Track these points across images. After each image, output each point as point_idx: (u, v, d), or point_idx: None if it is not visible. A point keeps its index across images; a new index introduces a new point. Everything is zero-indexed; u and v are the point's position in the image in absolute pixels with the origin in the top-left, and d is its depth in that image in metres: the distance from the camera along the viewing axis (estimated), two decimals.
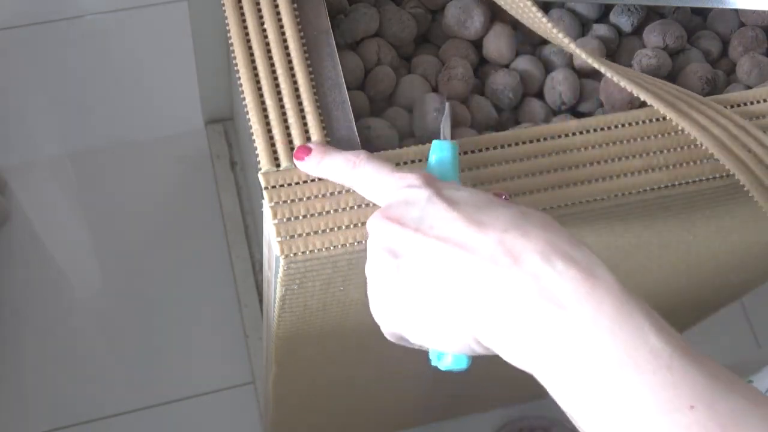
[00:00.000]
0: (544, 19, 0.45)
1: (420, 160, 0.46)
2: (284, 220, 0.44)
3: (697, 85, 0.53)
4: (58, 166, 1.21)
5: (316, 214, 0.44)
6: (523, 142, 0.47)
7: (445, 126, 0.46)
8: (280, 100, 0.46)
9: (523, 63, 0.56)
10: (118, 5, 1.29)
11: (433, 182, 0.39)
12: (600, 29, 0.57)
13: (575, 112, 0.56)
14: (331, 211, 0.44)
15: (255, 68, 0.46)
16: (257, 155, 0.45)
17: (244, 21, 0.47)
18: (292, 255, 0.43)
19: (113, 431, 1.10)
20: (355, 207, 0.44)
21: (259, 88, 0.46)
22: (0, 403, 1.09)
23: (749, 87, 0.55)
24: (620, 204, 0.48)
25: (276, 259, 0.45)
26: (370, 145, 0.48)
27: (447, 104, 0.48)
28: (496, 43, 0.55)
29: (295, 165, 0.44)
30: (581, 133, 0.48)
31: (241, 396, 1.13)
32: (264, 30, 0.47)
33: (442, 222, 0.37)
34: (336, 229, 0.44)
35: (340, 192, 0.44)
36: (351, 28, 0.53)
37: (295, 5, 0.48)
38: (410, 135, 0.51)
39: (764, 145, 0.46)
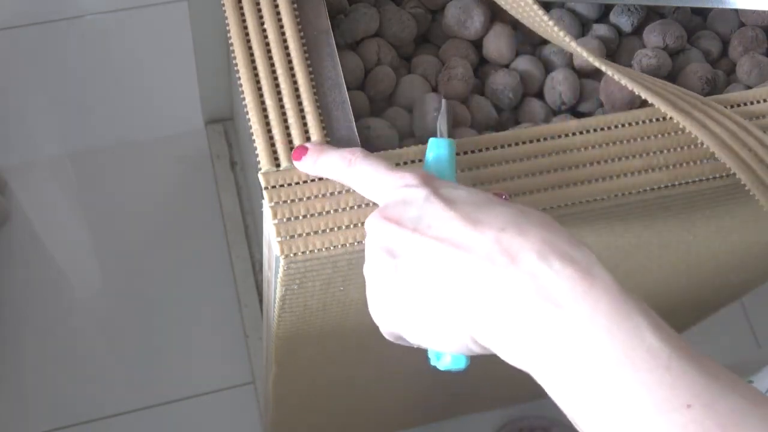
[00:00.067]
0: (546, 18, 0.45)
1: (420, 160, 0.45)
2: (284, 220, 0.44)
3: (697, 85, 0.53)
4: (58, 166, 1.21)
5: (316, 214, 0.44)
6: (523, 142, 0.47)
7: (442, 123, 0.46)
8: (280, 100, 0.46)
9: (523, 63, 0.56)
10: (118, 5, 1.29)
11: (431, 181, 0.39)
12: (600, 29, 0.57)
13: (575, 112, 0.56)
14: (331, 211, 0.44)
15: (255, 68, 0.46)
16: (257, 155, 0.45)
17: (244, 21, 0.47)
18: (292, 255, 0.43)
19: (113, 431, 1.10)
20: (355, 207, 0.44)
21: (259, 88, 0.46)
22: (0, 403, 1.09)
23: (749, 87, 0.55)
24: (620, 204, 0.48)
25: (276, 259, 0.45)
26: (370, 145, 0.48)
27: (444, 102, 0.47)
28: (496, 43, 0.55)
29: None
30: (581, 133, 0.48)
31: (241, 396, 1.13)
32: (264, 30, 0.47)
33: (440, 221, 0.37)
34: (336, 229, 0.44)
35: (340, 192, 0.44)
36: (351, 28, 0.53)
37: (295, 5, 0.48)
38: (410, 135, 0.51)
39: (765, 145, 0.46)
